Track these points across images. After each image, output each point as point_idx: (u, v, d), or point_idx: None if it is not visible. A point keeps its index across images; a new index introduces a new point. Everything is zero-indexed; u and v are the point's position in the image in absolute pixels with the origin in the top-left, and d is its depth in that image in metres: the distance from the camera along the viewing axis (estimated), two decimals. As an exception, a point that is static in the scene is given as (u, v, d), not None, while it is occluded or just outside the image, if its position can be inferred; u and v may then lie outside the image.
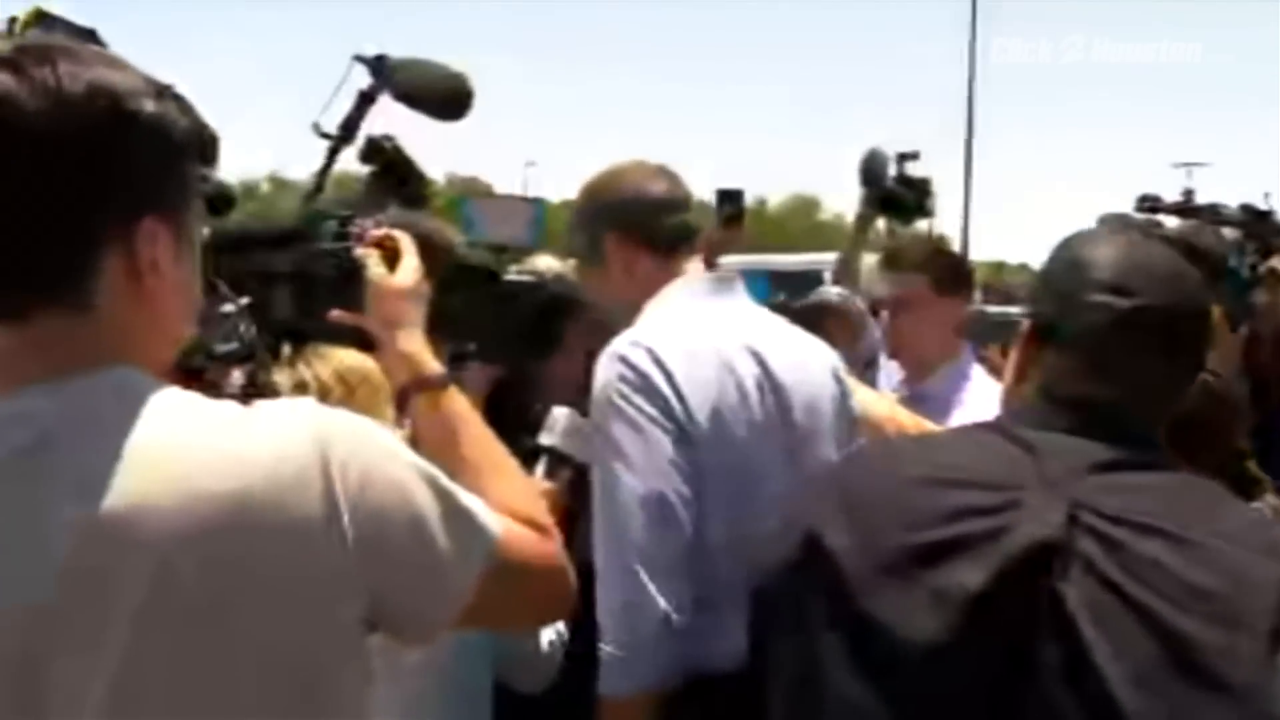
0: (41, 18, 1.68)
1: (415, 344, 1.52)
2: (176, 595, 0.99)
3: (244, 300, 1.63)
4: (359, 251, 1.57)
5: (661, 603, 1.93)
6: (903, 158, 3.93)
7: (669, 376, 2.00)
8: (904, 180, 3.87)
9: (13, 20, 1.80)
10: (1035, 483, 1.40)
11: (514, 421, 2.41)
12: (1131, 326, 1.48)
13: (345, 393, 1.78)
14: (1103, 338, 1.48)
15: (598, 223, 2.24)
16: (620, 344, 2.06)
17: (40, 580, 0.98)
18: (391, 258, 1.57)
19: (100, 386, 1.04)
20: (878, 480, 1.51)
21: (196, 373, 1.72)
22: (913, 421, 2.46)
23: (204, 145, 1.13)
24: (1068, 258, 1.56)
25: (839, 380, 2.26)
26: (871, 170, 3.83)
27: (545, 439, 2.27)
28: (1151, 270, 1.51)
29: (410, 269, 1.57)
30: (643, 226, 2.20)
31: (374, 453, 1.11)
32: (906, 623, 1.37)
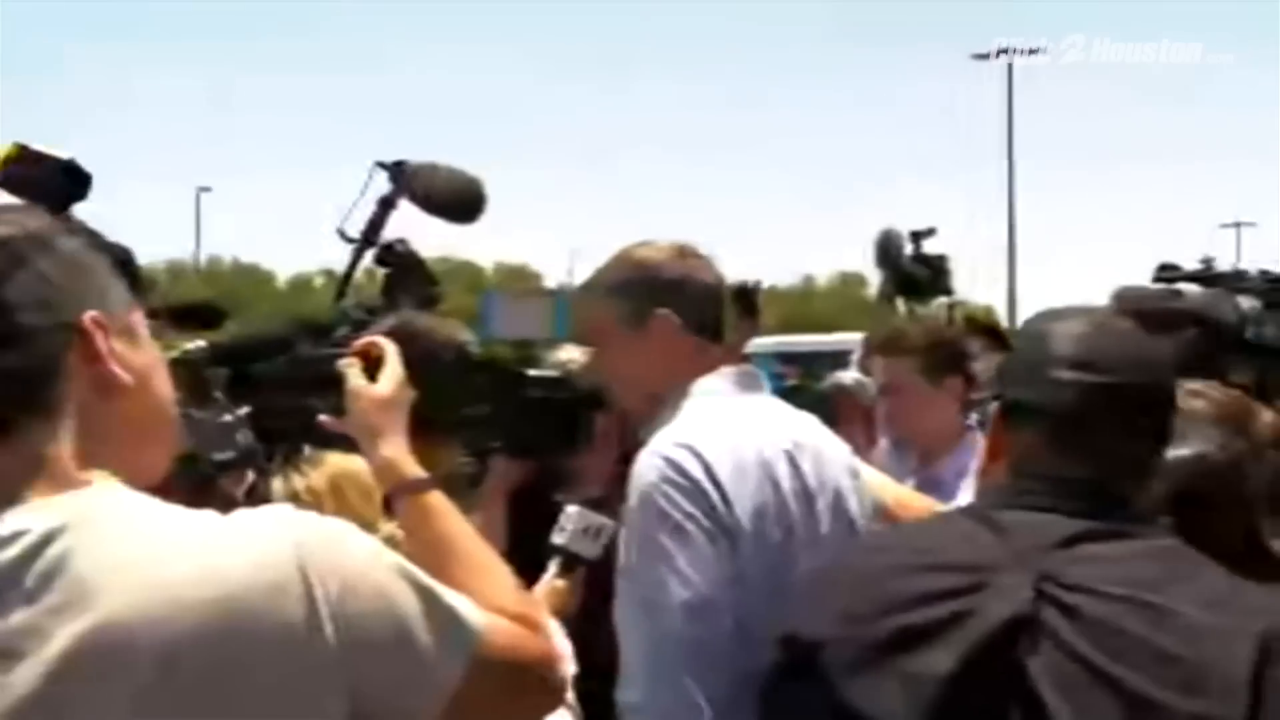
0: (22, 152, 1.75)
1: (396, 450, 1.57)
2: (163, 705, 1.01)
3: (242, 410, 1.68)
4: (341, 362, 1.62)
5: (709, 711, 1.90)
6: (916, 236, 3.95)
7: (715, 479, 1.98)
8: (920, 259, 3.88)
9: None
10: (1004, 562, 1.42)
11: (544, 516, 2.44)
12: (1096, 403, 1.50)
13: (337, 500, 1.81)
14: (1068, 414, 1.50)
15: (648, 295, 2.18)
16: (664, 444, 2.03)
17: (35, 683, 1.00)
18: (374, 366, 1.62)
19: (78, 500, 1.07)
20: (852, 569, 1.55)
21: (206, 480, 1.77)
22: (921, 504, 2.46)
23: (122, 261, 1.22)
24: (1033, 335, 1.59)
25: (855, 476, 2.26)
26: (884, 252, 3.85)
27: (557, 538, 2.28)
28: (1115, 347, 1.54)
29: (391, 377, 1.62)
30: (696, 311, 2.18)
31: (353, 554, 1.13)
32: (883, 711, 1.38)
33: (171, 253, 42.53)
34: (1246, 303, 2.97)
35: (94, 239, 1.18)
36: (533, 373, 2.59)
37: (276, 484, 1.81)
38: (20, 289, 1.09)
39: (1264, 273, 3.11)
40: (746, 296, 4.02)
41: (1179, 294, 3.14)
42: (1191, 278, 3.21)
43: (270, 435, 1.79)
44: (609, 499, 2.39)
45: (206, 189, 43.89)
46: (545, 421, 2.49)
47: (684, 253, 2.24)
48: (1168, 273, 3.20)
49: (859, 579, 1.52)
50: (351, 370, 1.62)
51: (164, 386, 1.21)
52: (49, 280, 1.11)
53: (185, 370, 1.81)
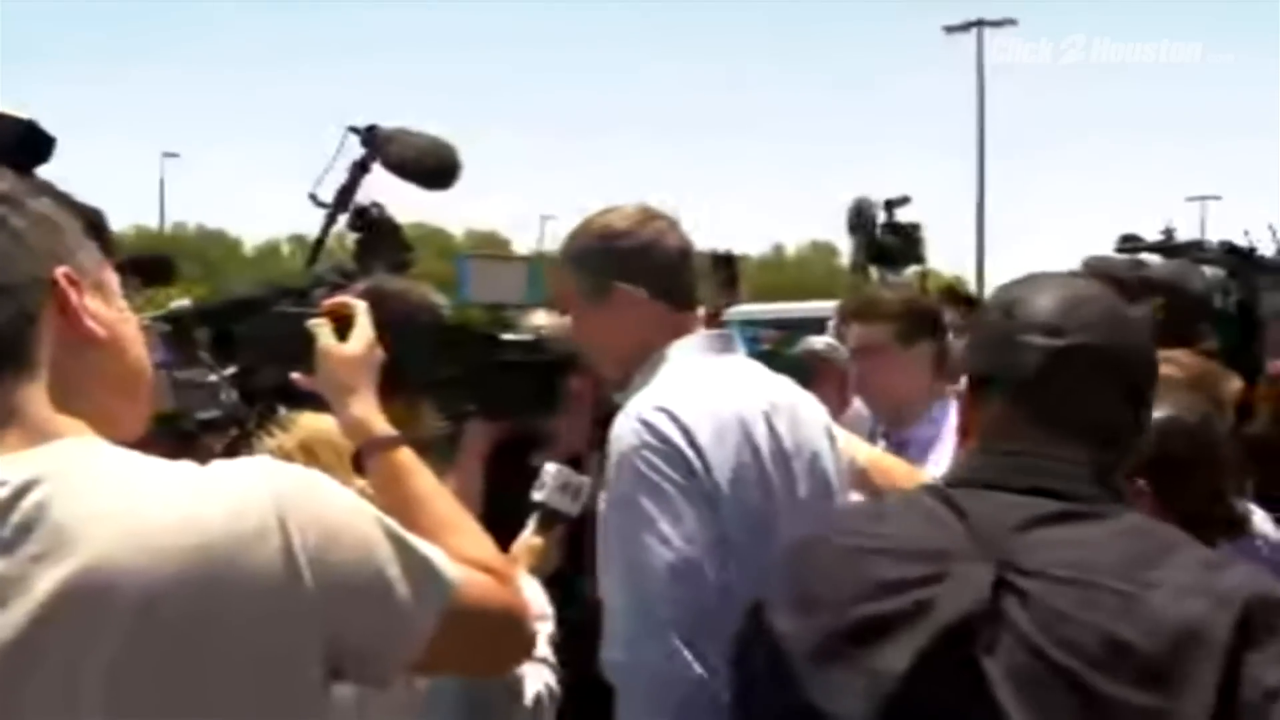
0: None
1: (365, 408, 1.60)
2: (143, 651, 1.02)
3: (227, 370, 1.69)
4: (311, 321, 1.64)
5: (697, 667, 1.90)
6: (890, 205, 3.96)
7: (694, 442, 1.97)
8: (892, 228, 3.90)
9: None
10: (966, 549, 1.36)
11: (521, 477, 2.46)
12: (1064, 367, 1.42)
13: (309, 460, 1.82)
14: (1036, 381, 1.42)
15: (608, 267, 2.16)
16: (642, 407, 2.02)
17: (16, 631, 1.01)
18: (345, 326, 1.64)
19: (56, 452, 1.08)
20: (816, 553, 1.50)
21: (188, 438, 1.78)
22: (899, 468, 2.49)
23: (92, 221, 1.24)
24: (1000, 304, 1.51)
25: (831, 438, 2.27)
26: (858, 220, 3.86)
27: (536, 495, 2.29)
28: (1084, 309, 1.45)
29: (361, 337, 1.64)
30: (661, 279, 2.16)
31: (330, 504, 1.15)
32: (842, 708, 1.36)
33: (137, 219, 42.10)
34: (1211, 272, 3.02)
35: (64, 199, 1.20)
36: (507, 336, 2.60)
37: (254, 444, 1.82)
38: None
39: (1224, 243, 3.16)
40: (728, 266, 4.02)
41: (1143, 264, 3.20)
42: (1153, 248, 3.27)
43: (250, 396, 1.80)
44: (583, 461, 2.41)
45: (173, 155, 43.45)
46: (519, 384, 2.50)
47: (646, 217, 2.20)
48: (1130, 243, 3.25)
49: (821, 563, 1.48)
50: (322, 329, 1.63)
51: (137, 342, 1.21)
52: (20, 238, 1.11)
53: (170, 328, 1.82)
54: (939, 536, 1.39)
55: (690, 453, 1.98)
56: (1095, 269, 3.14)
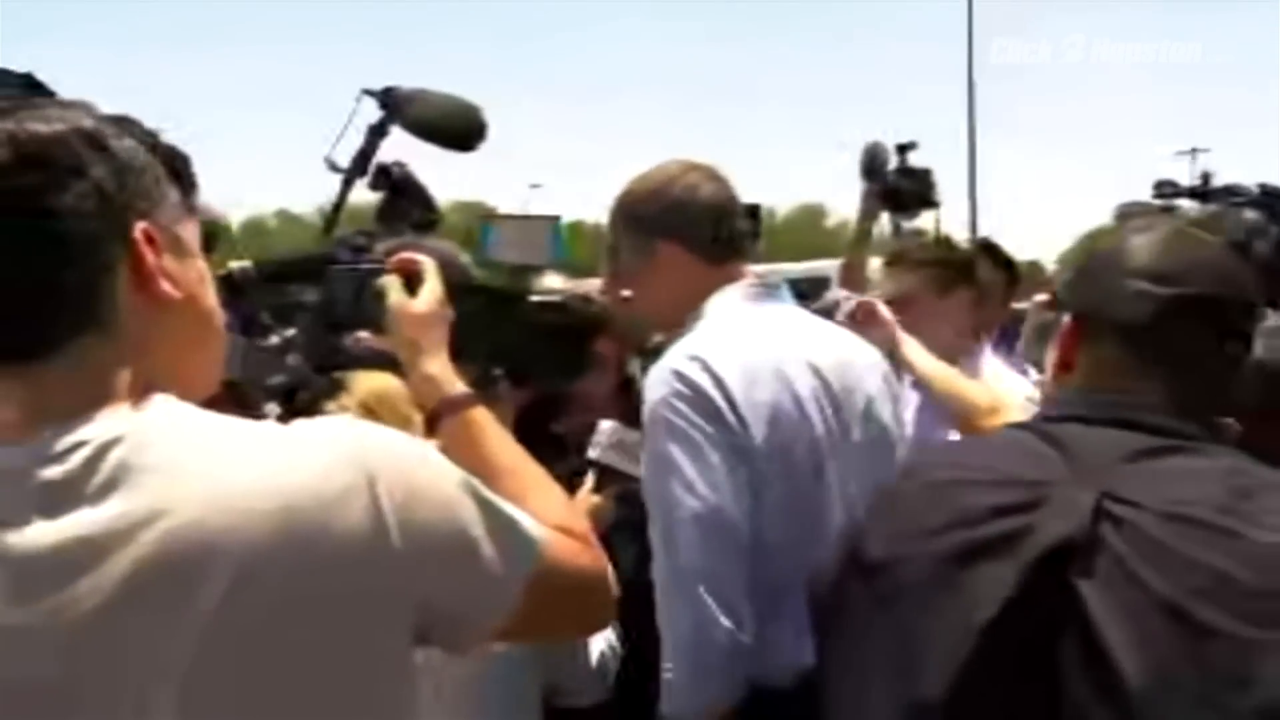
0: None
1: (438, 367, 1.55)
2: (230, 617, 0.99)
3: (289, 332, 1.64)
4: (381, 279, 1.59)
5: (726, 621, 1.90)
6: (901, 149, 3.90)
7: (725, 390, 1.96)
8: (905, 172, 3.84)
9: None
10: (1063, 478, 1.38)
11: (546, 443, 2.42)
12: (1173, 314, 1.46)
13: (369, 420, 1.78)
14: (1145, 327, 1.46)
15: (648, 229, 2.17)
16: (674, 358, 2.02)
17: (100, 593, 0.98)
18: (412, 282, 1.59)
19: (135, 412, 1.04)
20: (912, 487, 1.52)
21: (253, 406, 1.73)
22: (988, 396, 2.47)
23: (177, 166, 1.15)
24: (1109, 247, 1.56)
25: (890, 381, 2.24)
26: (872, 164, 3.81)
27: (592, 453, 2.27)
28: (1193, 259, 1.49)
29: (431, 293, 1.59)
30: (697, 233, 2.14)
31: (416, 466, 1.12)
32: (937, 631, 1.37)
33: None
34: (1251, 215, 2.98)
35: (149, 138, 1.12)
36: (534, 297, 2.56)
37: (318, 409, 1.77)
38: (72, 196, 1.04)
39: (1261, 186, 3.11)
40: (751, 219, 3.96)
41: (1178, 209, 3.16)
42: (1189, 193, 3.22)
43: (315, 359, 1.75)
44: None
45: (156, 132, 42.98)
46: (546, 347, 2.47)
47: (682, 171, 2.19)
48: (1166, 189, 3.21)
49: (917, 495, 1.49)
50: (392, 286, 1.58)
51: (211, 299, 1.17)
52: (101, 188, 1.06)
53: (230, 290, 1.76)
54: (1037, 467, 1.41)
55: (721, 401, 1.96)
56: (1130, 216, 3.10)
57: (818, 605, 1.59)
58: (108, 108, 1.13)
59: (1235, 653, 1.24)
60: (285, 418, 1.71)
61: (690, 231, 2.15)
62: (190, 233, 1.15)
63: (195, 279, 1.15)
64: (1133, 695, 1.25)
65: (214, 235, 2.62)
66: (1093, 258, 1.58)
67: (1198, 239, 1.55)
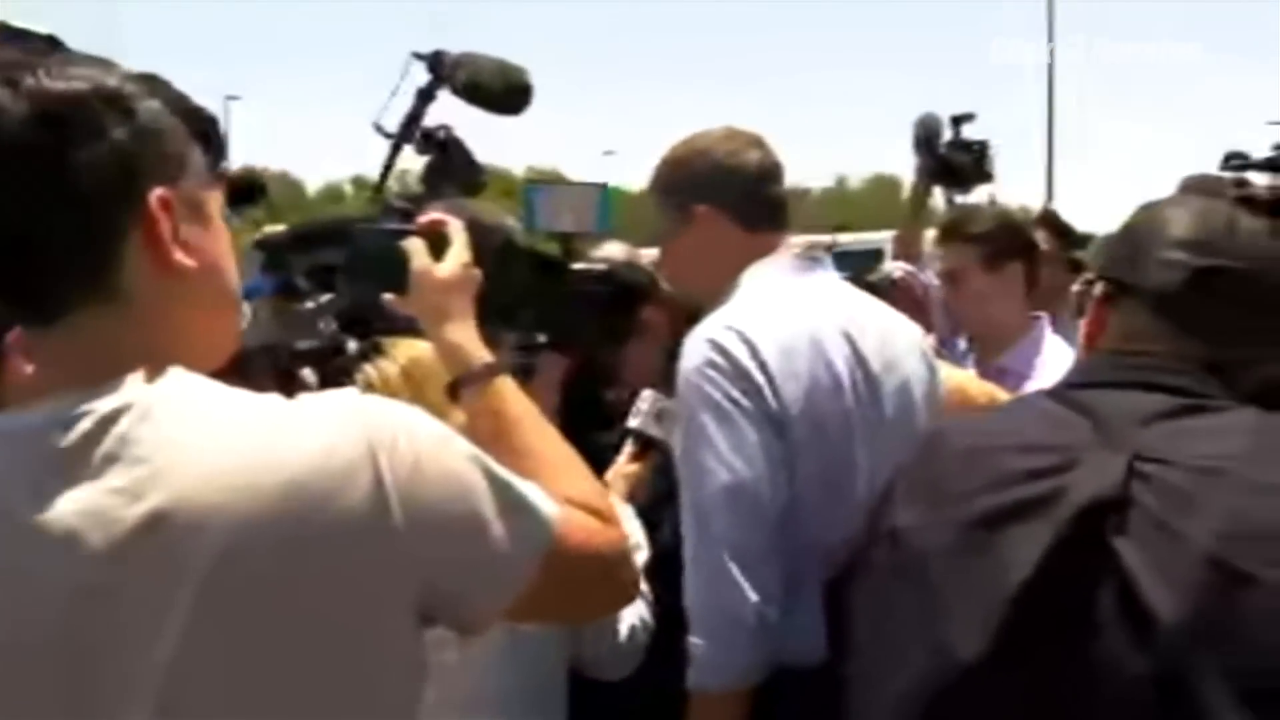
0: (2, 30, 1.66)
1: (463, 334, 1.51)
2: (231, 588, 0.98)
3: (324, 297, 1.63)
4: (404, 242, 1.54)
5: (753, 596, 1.87)
6: (957, 121, 3.81)
7: (761, 362, 1.94)
8: (960, 145, 3.76)
9: None
10: (1091, 442, 1.39)
11: (590, 411, 2.40)
12: (1205, 285, 1.47)
13: (412, 388, 1.76)
14: (1174, 295, 1.47)
15: (687, 193, 2.14)
16: (711, 327, 1.99)
17: (94, 567, 0.98)
18: (438, 245, 1.54)
19: (141, 383, 1.03)
20: (936, 455, 1.51)
21: (286, 370, 1.72)
22: (983, 392, 2.41)
23: (202, 127, 1.12)
24: (1145, 218, 1.55)
25: (927, 361, 2.19)
26: (924, 137, 3.73)
27: (632, 422, 2.25)
28: (1229, 230, 1.49)
29: (457, 258, 1.54)
30: (737, 199, 2.11)
31: (424, 441, 1.09)
32: (972, 594, 1.36)
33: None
34: (1322, 187, 2.87)
35: (177, 100, 1.10)
36: (577, 266, 2.54)
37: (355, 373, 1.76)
38: (90, 155, 1.03)
39: (1337, 157, 3.00)
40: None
41: (1246, 183, 3.05)
42: (1261, 165, 3.12)
43: (349, 323, 1.73)
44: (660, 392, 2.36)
45: (235, 98, 43.52)
46: (589, 314, 2.45)
47: (724, 137, 2.17)
48: (1236, 160, 3.11)
49: (946, 460, 1.48)
50: (416, 249, 1.53)
51: (229, 270, 1.15)
52: (120, 150, 1.04)
53: (265, 254, 1.75)
54: (1065, 433, 1.41)
55: (756, 371, 1.93)
56: (1196, 187, 3.01)
57: (838, 579, 1.57)
58: (171, 66, 1.12)
59: (1269, 598, 1.25)
60: (321, 383, 1.69)
61: (728, 197, 2.12)
62: (215, 199, 1.13)
63: (216, 247, 1.13)
64: (1169, 641, 1.26)
65: (256, 187, 2.63)
66: (1128, 228, 1.57)
67: (1229, 213, 1.53)
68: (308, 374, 1.82)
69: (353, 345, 1.82)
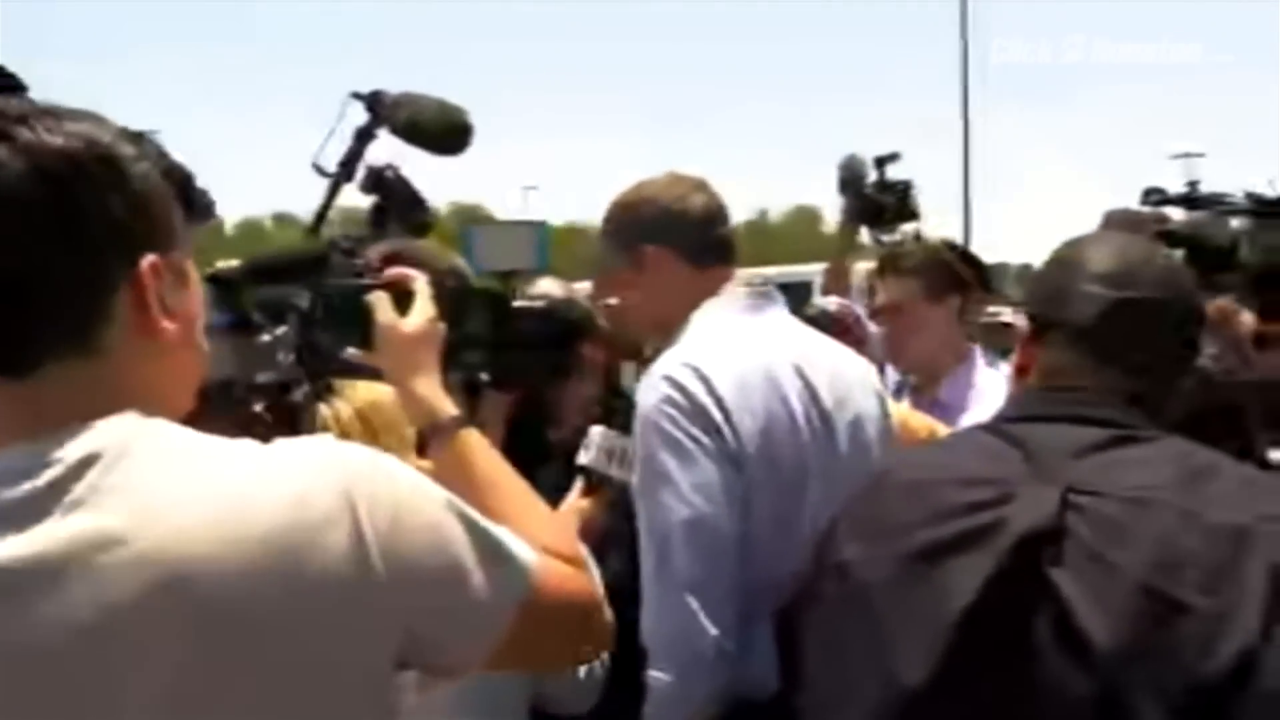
0: None
1: (429, 388, 1.52)
2: (208, 641, 0.97)
3: (280, 330, 1.63)
4: (370, 297, 1.55)
5: (712, 629, 1.90)
6: (880, 162, 3.90)
7: (718, 398, 1.97)
8: (884, 185, 3.84)
9: None
10: (1025, 475, 1.46)
11: (535, 449, 2.41)
12: (1120, 316, 1.55)
13: (366, 432, 1.77)
14: (1095, 327, 1.55)
15: (637, 234, 2.20)
16: (668, 365, 2.03)
17: (57, 617, 0.96)
18: (403, 298, 1.55)
19: (114, 429, 1.03)
20: (879, 489, 1.58)
21: (241, 403, 1.71)
22: (924, 425, 2.46)
23: (183, 187, 1.14)
24: (1063, 256, 1.65)
25: (879, 396, 2.24)
26: (849, 179, 3.81)
27: (582, 458, 2.27)
28: (1141, 264, 1.59)
29: (423, 312, 1.55)
30: (685, 240, 2.17)
31: (401, 489, 1.09)
32: (913, 626, 1.41)
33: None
34: (1236, 223, 2.99)
35: (162, 158, 1.11)
36: (520, 303, 2.56)
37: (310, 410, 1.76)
38: (86, 216, 1.03)
39: (1249, 194, 3.13)
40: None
41: (1165, 218, 3.17)
42: (1177, 200, 3.23)
43: (306, 359, 1.73)
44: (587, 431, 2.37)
45: (153, 131, 42.80)
46: (534, 353, 2.46)
47: (672, 181, 2.24)
48: (1155, 196, 3.22)
49: (887, 495, 1.55)
50: (381, 303, 1.54)
51: (200, 333, 1.16)
52: (114, 222, 1.05)
53: (219, 289, 1.75)
54: (1000, 466, 1.48)
55: (714, 408, 1.96)
56: (1118, 222, 3.12)
57: (787, 611, 1.62)
58: (96, 108, 1.11)
59: (1199, 623, 1.32)
60: (274, 417, 1.69)
61: (679, 237, 2.17)
62: (188, 258, 1.14)
63: (193, 307, 1.14)
64: (1106, 666, 1.33)
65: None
66: (1052, 264, 1.66)
67: (1147, 247, 1.65)
68: (259, 409, 1.81)
69: (305, 388, 1.82)
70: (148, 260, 1.07)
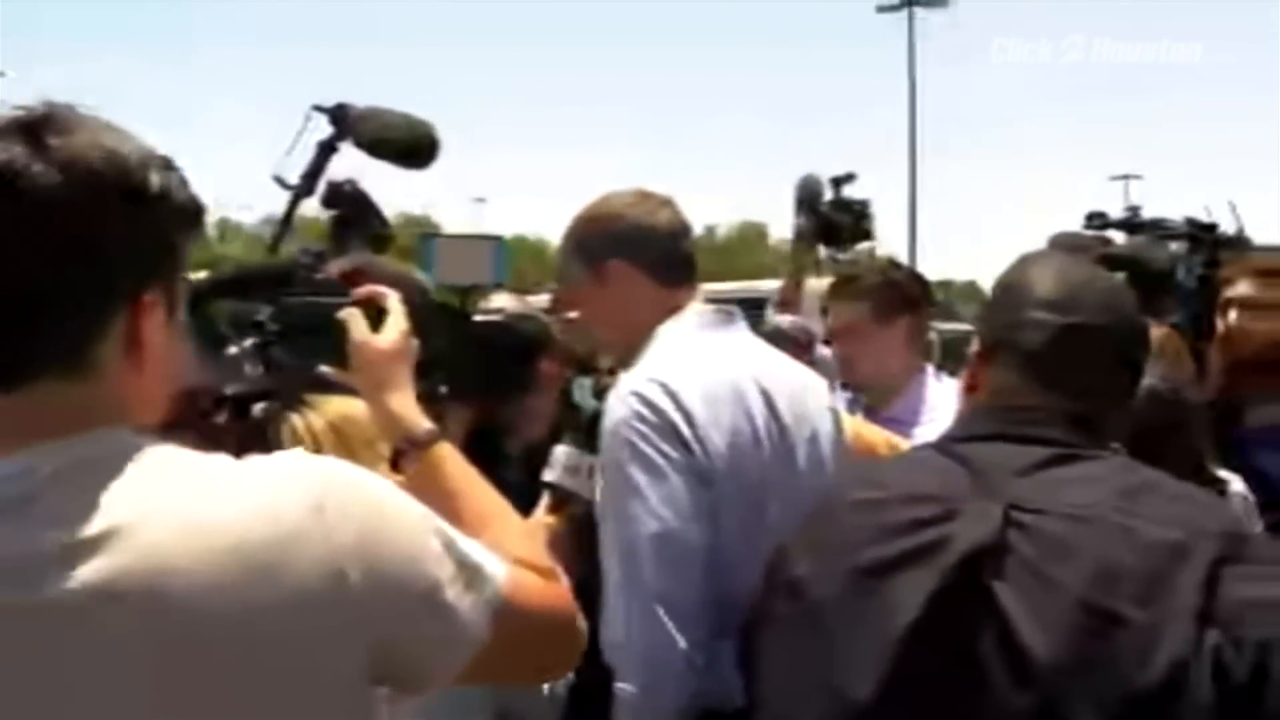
0: None
1: (403, 403, 1.51)
2: (181, 649, 0.98)
3: (247, 343, 1.64)
4: (342, 313, 1.55)
5: (682, 642, 1.92)
6: (837, 182, 3.94)
7: (686, 413, 1.99)
8: (841, 205, 3.88)
9: None
10: (970, 493, 1.50)
11: (494, 463, 2.44)
12: (1066, 342, 1.59)
13: (339, 444, 1.78)
14: (1042, 351, 1.59)
15: (601, 248, 2.19)
16: (635, 380, 2.04)
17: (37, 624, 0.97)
18: (375, 314, 1.56)
19: (91, 445, 1.03)
20: (829, 507, 1.62)
21: (207, 415, 1.72)
22: (879, 437, 2.51)
23: (195, 213, 1.14)
24: (1012, 280, 1.69)
25: (834, 415, 2.28)
26: (806, 198, 3.84)
27: (548, 475, 2.28)
28: (1087, 289, 1.64)
29: (396, 329, 1.55)
30: (650, 256, 2.18)
31: (373, 503, 1.10)
32: (860, 640, 1.45)
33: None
34: (1174, 247, 3.08)
35: (184, 186, 1.11)
36: (478, 317, 2.58)
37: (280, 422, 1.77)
38: (105, 240, 1.04)
39: (1187, 219, 3.22)
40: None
41: (1109, 240, 3.26)
42: (1118, 224, 3.33)
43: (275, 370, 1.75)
44: (549, 444, 2.40)
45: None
46: (492, 366, 2.49)
47: (638, 198, 2.24)
48: (1097, 220, 3.31)
49: (836, 513, 1.59)
50: (354, 320, 1.54)
51: (179, 358, 1.17)
52: (134, 241, 1.06)
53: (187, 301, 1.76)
54: (945, 483, 1.53)
55: (682, 423, 1.98)
56: (1063, 245, 3.19)
57: (746, 627, 1.66)
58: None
59: (1135, 635, 1.36)
60: (243, 430, 1.70)
61: (642, 252, 2.18)
62: (183, 286, 1.15)
63: (173, 339, 1.14)
64: (1046, 679, 1.37)
65: None
66: (1000, 287, 1.71)
67: (1090, 271, 1.70)
68: (223, 419, 1.83)
69: (273, 400, 1.83)
70: (150, 294, 1.08)
